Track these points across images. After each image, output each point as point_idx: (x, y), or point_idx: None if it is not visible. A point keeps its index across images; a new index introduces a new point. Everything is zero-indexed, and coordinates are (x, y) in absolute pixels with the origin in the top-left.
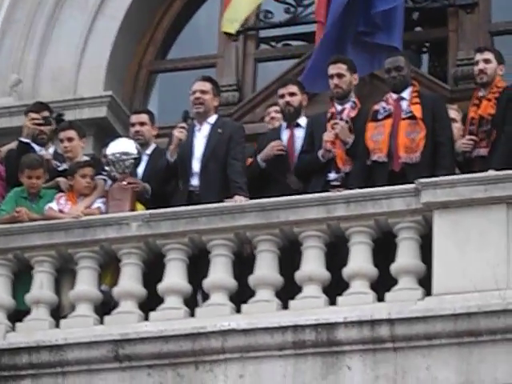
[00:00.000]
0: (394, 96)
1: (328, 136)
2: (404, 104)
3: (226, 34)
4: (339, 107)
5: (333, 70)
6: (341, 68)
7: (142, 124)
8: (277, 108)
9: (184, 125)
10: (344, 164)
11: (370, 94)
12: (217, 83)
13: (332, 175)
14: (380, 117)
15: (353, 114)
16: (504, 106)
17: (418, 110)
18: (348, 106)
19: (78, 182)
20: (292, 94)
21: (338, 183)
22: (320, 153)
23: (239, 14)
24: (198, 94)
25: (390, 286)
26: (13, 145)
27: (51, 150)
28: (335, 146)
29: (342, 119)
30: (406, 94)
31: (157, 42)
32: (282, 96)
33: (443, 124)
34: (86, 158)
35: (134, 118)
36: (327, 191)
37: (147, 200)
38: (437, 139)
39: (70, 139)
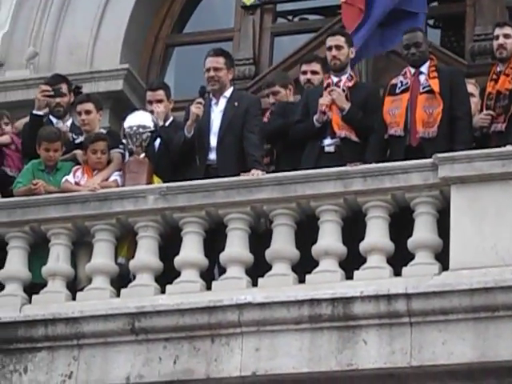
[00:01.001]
0: (412, 70)
1: (324, 100)
2: (422, 78)
3: (243, 7)
4: (335, 79)
5: (331, 41)
6: (339, 40)
7: (158, 101)
8: (272, 90)
9: (201, 100)
10: (340, 129)
11: (386, 69)
12: (230, 55)
13: (327, 141)
14: (398, 91)
15: (349, 84)
16: None
17: (436, 85)
18: (344, 77)
19: (89, 158)
20: (314, 73)
21: (332, 149)
22: (315, 117)
23: None
24: (211, 73)
25: (407, 260)
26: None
27: (69, 122)
28: (331, 111)
29: (339, 87)
30: (424, 68)
31: (174, 16)
32: (305, 73)
33: (461, 98)
34: (100, 131)
35: (150, 96)
36: (322, 159)
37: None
38: (454, 113)
39: (87, 112)
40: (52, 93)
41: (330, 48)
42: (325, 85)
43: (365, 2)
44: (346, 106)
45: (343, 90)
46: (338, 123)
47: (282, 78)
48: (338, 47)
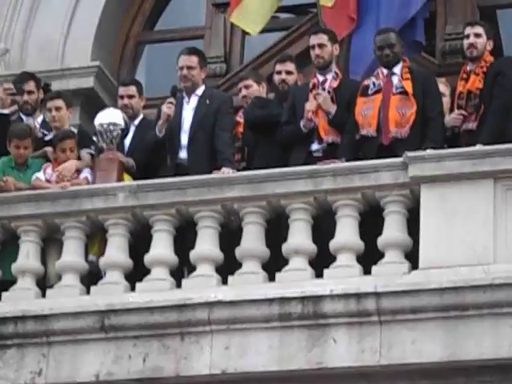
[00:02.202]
0: (385, 71)
1: (310, 106)
2: (395, 79)
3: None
4: (321, 78)
5: (314, 40)
6: (322, 38)
7: (130, 97)
8: (246, 83)
9: (172, 100)
10: (327, 134)
11: None
12: (203, 54)
13: (315, 146)
14: (370, 92)
15: (335, 84)
16: (492, 80)
17: (409, 86)
18: (329, 76)
19: (58, 156)
20: (289, 73)
21: (320, 154)
22: (302, 122)
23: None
24: (184, 71)
25: (377, 259)
26: None
27: (39, 119)
28: (317, 116)
29: (324, 89)
30: (396, 69)
31: (145, 13)
32: (279, 72)
33: (434, 99)
34: (69, 129)
35: (122, 91)
36: (310, 162)
37: (135, 171)
38: (427, 114)
39: (57, 108)
40: (14, 91)
41: (313, 47)
42: (310, 85)
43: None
44: (332, 109)
45: (328, 92)
46: (324, 128)
47: (255, 74)
48: (321, 45)
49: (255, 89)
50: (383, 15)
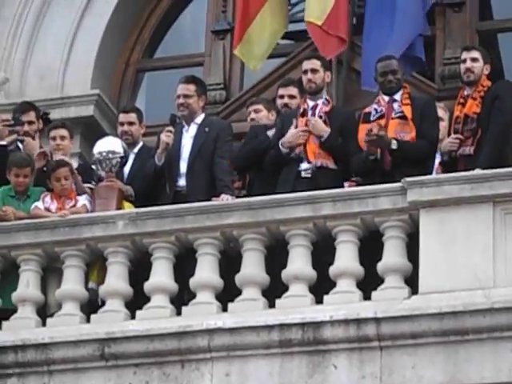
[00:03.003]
0: (386, 98)
1: (298, 139)
2: (396, 105)
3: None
4: (311, 103)
5: (307, 65)
6: (315, 64)
7: (130, 124)
8: (256, 107)
9: (171, 128)
10: (316, 157)
11: (357, 94)
12: (202, 82)
13: (304, 165)
14: (373, 118)
15: (327, 109)
16: (489, 105)
17: (408, 111)
18: (320, 101)
19: (54, 186)
20: (291, 97)
21: (309, 175)
22: (281, 141)
23: (260, 50)
24: (181, 100)
25: (377, 284)
26: None
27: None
28: (307, 141)
29: (314, 115)
30: (397, 96)
31: (144, 41)
32: (282, 97)
33: (430, 124)
34: (59, 158)
35: (123, 117)
36: (299, 184)
37: (134, 199)
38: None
39: (62, 137)
40: (12, 122)
41: (305, 71)
42: (301, 110)
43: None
44: (325, 133)
45: (320, 117)
46: (313, 151)
47: (267, 101)
48: (314, 71)
49: (264, 114)
50: (397, 27)
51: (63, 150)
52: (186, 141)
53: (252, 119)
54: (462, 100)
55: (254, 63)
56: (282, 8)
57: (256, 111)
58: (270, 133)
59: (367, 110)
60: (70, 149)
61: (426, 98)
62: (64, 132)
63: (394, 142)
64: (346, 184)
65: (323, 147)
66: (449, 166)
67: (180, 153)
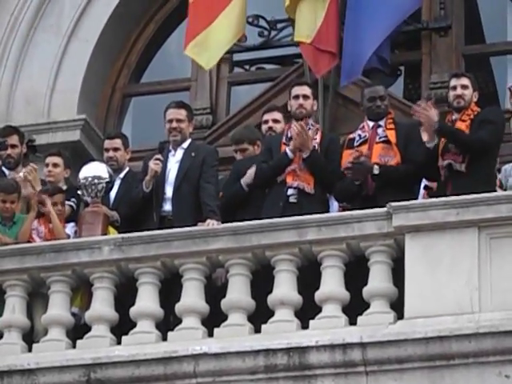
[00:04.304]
0: (371, 124)
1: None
2: (380, 130)
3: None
4: None
5: (299, 91)
6: (307, 90)
7: (115, 149)
8: (241, 147)
9: (160, 157)
10: (293, 179)
11: (343, 118)
12: (191, 108)
13: (290, 191)
14: (356, 144)
15: (318, 138)
16: (477, 127)
17: (392, 135)
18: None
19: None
20: (276, 121)
21: (295, 200)
22: (243, 180)
23: (215, 49)
24: (174, 124)
25: (362, 309)
26: None
27: (21, 173)
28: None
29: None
30: (382, 122)
31: (130, 66)
32: (266, 122)
33: (415, 148)
34: (57, 185)
35: (108, 144)
36: (287, 209)
37: (119, 225)
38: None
39: (54, 165)
40: None
41: (297, 96)
42: (290, 134)
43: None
44: (308, 149)
45: (314, 146)
46: (292, 173)
47: (250, 133)
48: (305, 97)
49: (250, 151)
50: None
51: (53, 176)
52: (171, 165)
53: (270, 128)
54: (449, 124)
55: (207, 62)
56: (242, 13)
57: (242, 151)
58: (243, 181)
59: (351, 135)
60: (64, 178)
61: (410, 123)
62: (57, 160)
63: (376, 167)
64: None
65: (306, 164)
66: (439, 189)
67: (166, 177)
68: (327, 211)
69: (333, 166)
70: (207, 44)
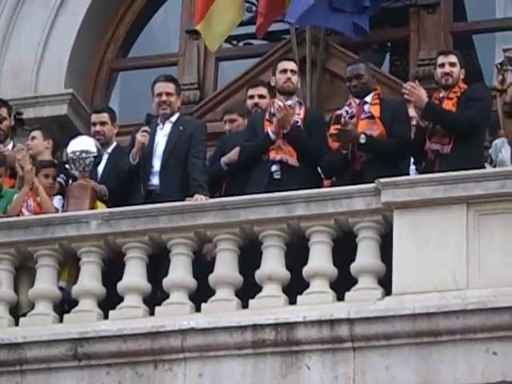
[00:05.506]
0: (357, 101)
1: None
2: (366, 107)
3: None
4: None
5: (288, 65)
6: (294, 66)
7: (102, 123)
8: (230, 117)
9: (147, 128)
10: (276, 153)
11: (330, 94)
12: (178, 83)
13: (274, 167)
14: (343, 120)
15: (301, 114)
16: (463, 105)
17: (376, 110)
18: (291, 102)
19: (40, 181)
20: (261, 97)
21: (279, 176)
22: (223, 159)
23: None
24: (164, 97)
25: (350, 285)
26: None
27: (10, 146)
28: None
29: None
30: (368, 98)
31: (118, 40)
32: (252, 97)
33: (401, 124)
34: (51, 159)
35: (95, 118)
36: (271, 185)
37: (107, 199)
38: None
39: (33, 138)
40: None
41: (285, 71)
42: (272, 110)
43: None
44: (289, 124)
45: (297, 122)
46: (275, 147)
47: (242, 106)
48: (293, 71)
49: (239, 122)
50: None
51: (32, 148)
52: (159, 138)
53: (229, 131)
54: (436, 102)
55: (212, 43)
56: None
57: (231, 121)
58: (223, 160)
59: (339, 112)
60: (48, 148)
61: (397, 100)
62: (34, 133)
63: (363, 136)
64: None
65: (287, 139)
66: (426, 166)
67: (153, 150)
68: (313, 187)
69: (315, 141)
70: (213, 25)
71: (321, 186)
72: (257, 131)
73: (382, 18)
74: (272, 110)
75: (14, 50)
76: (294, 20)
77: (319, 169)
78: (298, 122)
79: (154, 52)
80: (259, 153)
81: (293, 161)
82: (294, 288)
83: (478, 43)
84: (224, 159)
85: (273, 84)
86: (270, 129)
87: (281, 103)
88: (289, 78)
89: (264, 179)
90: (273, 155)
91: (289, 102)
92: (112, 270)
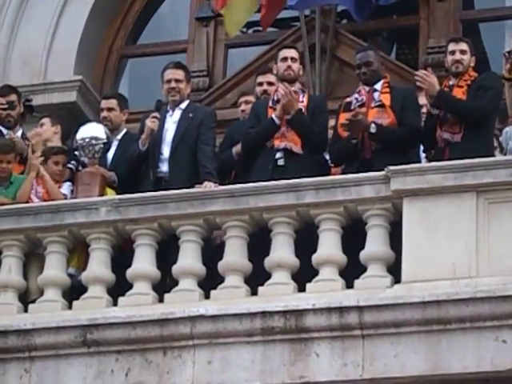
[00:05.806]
0: (367, 88)
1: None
2: (376, 95)
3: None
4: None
5: (288, 53)
6: (295, 53)
7: (109, 110)
8: (247, 98)
9: (156, 114)
10: (281, 141)
11: (340, 81)
12: (188, 70)
13: (278, 154)
14: (353, 107)
15: (305, 102)
16: (474, 94)
17: (386, 99)
18: (292, 88)
19: (49, 168)
20: (270, 84)
21: (283, 163)
22: (234, 149)
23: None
24: (173, 84)
25: (359, 273)
26: None
27: (19, 133)
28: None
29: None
30: (378, 85)
31: (127, 27)
32: (261, 84)
33: (411, 112)
34: (61, 146)
35: (103, 104)
36: (275, 172)
37: (117, 185)
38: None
39: (41, 124)
40: (6, 106)
41: (285, 59)
42: (276, 97)
43: None
44: (293, 110)
45: (300, 109)
46: (279, 135)
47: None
48: (293, 59)
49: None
50: None
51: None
52: (168, 125)
53: (243, 111)
54: (446, 89)
55: (232, 30)
56: None
57: (247, 102)
58: (235, 149)
59: (348, 99)
60: (57, 133)
61: (407, 88)
62: (43, 120)
63: (373, 125)
64: None
65: (290, 125)
66: (436, 154)
67: (163, 137)
68: (317, 174)
69: (319, 127)
70: (233, 11)
71: (326, 174)
72: (260, 118)
73: (391, 6)
74: (276, 98)
75: (24, 37)
76: (294, 3)
77: (327, 156)
78: (301, 109)
79: (163, 39)
80: (264, 138)
81: (297, 148)
82: (304, 275)
83: (486, 32)
84: (236, 149)
85: (275, 72)
86: (273, 115)
87: (286, 88)
88: (289, 66)
89: (268, 167)
90: (277, 143)
91: (292, 89)
92: (121, 256)
